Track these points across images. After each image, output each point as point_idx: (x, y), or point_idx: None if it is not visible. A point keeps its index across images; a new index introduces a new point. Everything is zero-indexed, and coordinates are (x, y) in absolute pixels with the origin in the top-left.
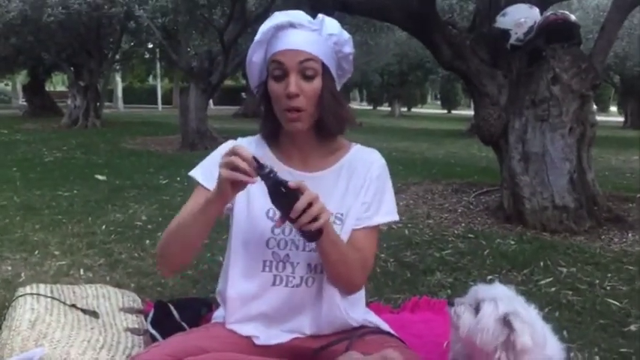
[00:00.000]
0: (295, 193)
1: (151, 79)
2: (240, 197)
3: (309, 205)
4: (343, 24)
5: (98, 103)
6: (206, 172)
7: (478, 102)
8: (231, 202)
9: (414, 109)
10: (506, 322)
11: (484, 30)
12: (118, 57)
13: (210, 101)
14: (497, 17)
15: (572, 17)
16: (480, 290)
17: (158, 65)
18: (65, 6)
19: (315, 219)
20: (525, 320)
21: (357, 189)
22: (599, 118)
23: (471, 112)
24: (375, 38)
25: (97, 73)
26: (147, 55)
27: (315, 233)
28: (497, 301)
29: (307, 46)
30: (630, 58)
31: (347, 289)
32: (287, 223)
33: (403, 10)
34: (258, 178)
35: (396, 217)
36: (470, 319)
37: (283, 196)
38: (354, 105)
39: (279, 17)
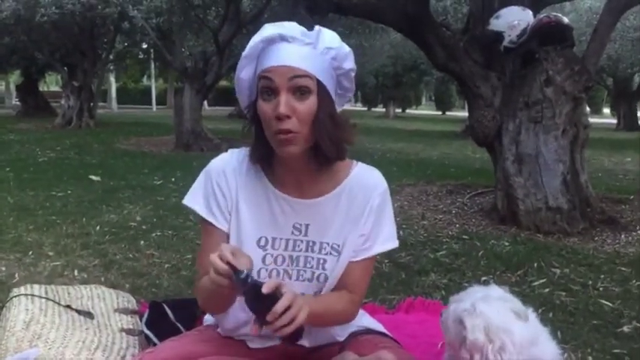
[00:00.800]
0: (273, 296)
1: (145, 79)
2: (232, 228)
3: (288, 307)
4: (337, 26)
5: (92, 104)
6: (204, 206)
7: (472, 104)
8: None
9: (408, 111)
10: (460, 320)
11: (478, 32)
12: (111, 57)
13: (205, 102)
14: (490, 19)
15: (565, 20)
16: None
17: (152, 65)
18: (59, 6)
19: (292, 320)
20: (478, 316)
21: (357, 218)
22: (593, 120)
23: (465, 114)
24: (370, 40)
25: (91, 74)
26: (141, 56)
27: (294, 335)
28: (459, 302)
29: (299, 62)
30: (623, 60)
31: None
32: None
33: (397, 12)
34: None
35: (396, 244)
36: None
37: (260, 299)
38: (349, 106)
39: (268, 29)
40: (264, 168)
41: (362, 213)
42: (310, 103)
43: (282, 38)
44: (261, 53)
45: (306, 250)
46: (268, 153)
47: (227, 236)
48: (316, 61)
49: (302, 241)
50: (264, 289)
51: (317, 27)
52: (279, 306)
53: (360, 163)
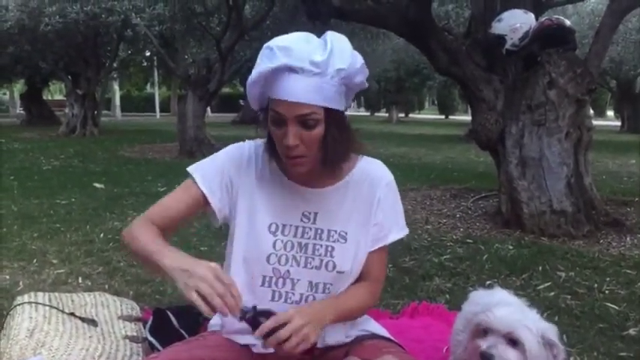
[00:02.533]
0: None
1: (148, 87)
2: (242, 212)
3: (298, 328)
4: (339, 31)
5: (96, 112)
6: (205, 174)
7: (475, 107)
8: (229, 211)
9: (411, 115)
10: (544, 339)
11: (480, 36)
12: (115, 65)
13: (208, 109)
14: (492, 23)
15: (567, 22)
16: (491, 320)
17: (156, 73)
18: (62, 15)
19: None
20: (552, 329)
21: (365, 209)
22: (596, 122)
23: (468, 118)
24: (372, 45)
25: (95, 82)
26: (144, 63)
27: (306, 351)
28: (525, 325)
29: (307, 97)
30: (626, 62)
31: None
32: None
33: (399, 17)
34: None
35: (407, 231)
36: (515, 356)
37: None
38: (351, 112)
39: (278, 56)
40: (277, 158)
41: (371, 204)
42: (318, 132)
43: (291, 69)
44: (269, 78)
45: (315, 238)
46: (278, 153)
47: (203, 206)
48: (325, 89)
49: (310, 229)
50: (257, 333)
51: (329, 44)
52: (283, 333)
53: (365, 157)
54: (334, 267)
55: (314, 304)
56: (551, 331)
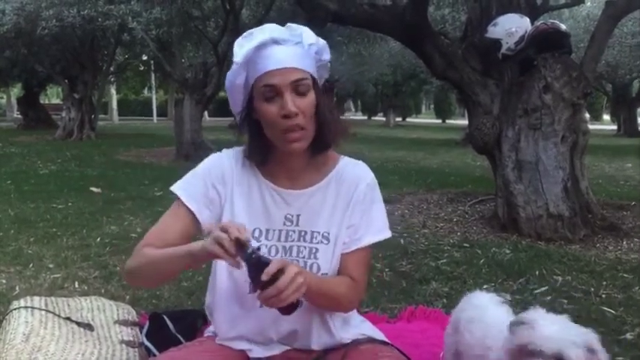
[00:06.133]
0: (276, 275)
1: (145, 91)
2: (225, 219)
3: (294, 277)
4: (336, 35)
5: (93, 116)
6: (188, 189)
7: (471, 111)
8: (215, 220)
9: (408, 119)
10: (590, 351)
11: (476, 40)
12: (112, 69)
13: (206, 113)
14: (488, 27)
15: (563, 26)
16: (543, 341)
17: (153, 77)
18: (59, 19)
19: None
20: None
21: (343, 209)
22: (593, 126)
23: (465, 122)
24: (369, 49)
25: (92, 86)
26: (141, 67)
27: (291, 307)
28: (575, 343)
29: (297, 62)
30: (622, 66)
31: (338, 312)
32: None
33: (395, 21)
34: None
35: (388, 234)
36: None
37: (261, 271)
38: (349, 115)
39: (257, 35)
40: (257, 163)
41: (347, 204)
42: (311, 99)
43: (274, 41)
44: (254, 58)
45: (299, 240)
46: (265, 151)
47: (196, 226)
48: (307, 58)
49: (294, 231)
50: (264, 276)
51: (295, 26)
52: (282, 282)
53: (346, 157)
54: (319, 269)
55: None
56: (593, 339)
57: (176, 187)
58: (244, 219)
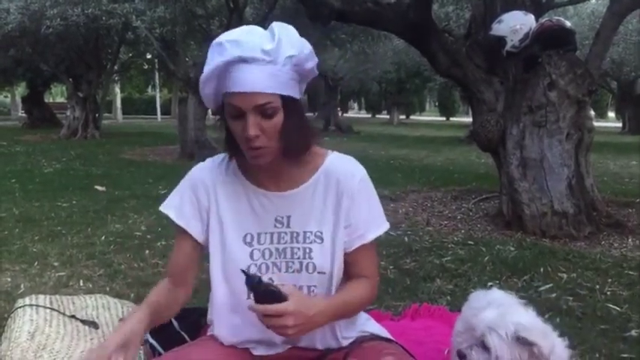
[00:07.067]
0: (279, 295)
1: (149, 89)
2: (214, 230)
3: (282, 312)
4: (340, 33)
5: (97, 114)
6: (176, 206)
7: (476, 109)
8: (204, 236)
9: (412, 117)
10: (518, 339)
11: (480, 37)
12: (116, 68)
13: (209, 111)
14: (492, 24)
15: (568, 23)
16: (473, 322)
17: (157, 76)
18: (64, 18)
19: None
20: (532, 327)
21: (335, 207)
22: (598, 124)
23: (469, 119)
24: (373, 47)
25: (96, 85)
26: (145, 66)
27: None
28: (495, 329)
29: (263, 86)
30: (627, 63)
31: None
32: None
33: (399, 19)
34: None
35: (387, 226)
36: (487, 359)
37: (267, 299)
38: (353, 113)
39: (228, 49)
40: (241, 167)
41: (339, 200)
42: (277, 121)
43: (243, 60)
44: (223, 72)
45: (291, 242)
46: (238, 147)
47: (197, 243)
48: (279, 77)
49: (286, 233)
50: (265, 312)
51: (275, 29)
52: (266, 321)
53: (334, 152)
54: (314, 268)
55: (315, 304)
56: (533, 331)
57: (164, 207)
58: (233, 225)
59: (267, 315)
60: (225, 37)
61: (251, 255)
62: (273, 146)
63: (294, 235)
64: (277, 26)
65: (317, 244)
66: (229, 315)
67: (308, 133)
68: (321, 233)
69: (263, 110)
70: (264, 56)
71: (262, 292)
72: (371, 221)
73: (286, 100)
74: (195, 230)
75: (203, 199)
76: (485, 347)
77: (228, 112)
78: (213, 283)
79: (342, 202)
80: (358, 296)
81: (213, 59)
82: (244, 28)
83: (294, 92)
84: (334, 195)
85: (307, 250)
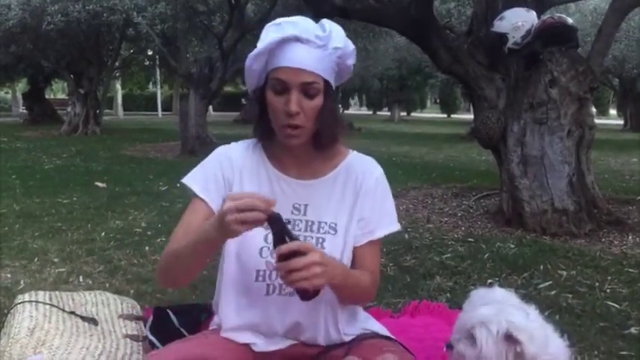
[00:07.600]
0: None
1: (150, 86)
2: None
3: (310, 264)
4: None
5: (98, 111)
6: (201, 182)
7: (477, 106)
8: None
9: (413, 114)
10: (507, 337)
11: (482, 34)
12: (117, 64)
13: (210, 107)
14: (494, 21)
15: (570, 20)
16: (467, 317)
17: (158, 72)
18: (65, 14)
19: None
20: (523, 328)
21: (352, 202)
22: (599, 121)
23: (470, 116)
24: (374, 43)
25: (97, 81)
26: (146, 62)
27: (307, 293)
28: (486, 324)
29: (312, 66)
30: (629, 60)
31: (357, 305)
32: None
33: (401, 16)
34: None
35: (398, 227)
36: (472, 352)
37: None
38: (354, 110)
39: (285, 28)
40: (266, 151)
41: (356, 196)
42: (317, 102)
43: (298, 39)
44: (275, 49)
45: (305, 230)
46: (270, 130)
47: (213, 213)
48: (325, 62)
49: (301, 221)
50: (279, 252)
51: (327, 25)
52: (293, 263)
53: (355, 152)
54: None
55: (331, 258)
56: (523, 331)
57: (187, 179)
58: None
59: (293, 270)
60: (283, 19)
61: (265, 237)
62: (308, 127)
63: (309, 223)
64: (327, 21)
65: (330, 235)
66: (236, 295)
67: (339, 124)
68: (335, 225)
69: (307, 89)
70: (317, 40)
71: (284, 228)
72: (382, 219)
73: (327, 86)
74: (215, 204)
75: (228, 174)
76: (473, 341)
77: (272, 87)
78: (226, 258)
79: (359, 197)
80: (364, 280)
81: (269, 35)
82: (299, 17)
83: (333, 80)
84: (352, 190)
85: (320, 240)
